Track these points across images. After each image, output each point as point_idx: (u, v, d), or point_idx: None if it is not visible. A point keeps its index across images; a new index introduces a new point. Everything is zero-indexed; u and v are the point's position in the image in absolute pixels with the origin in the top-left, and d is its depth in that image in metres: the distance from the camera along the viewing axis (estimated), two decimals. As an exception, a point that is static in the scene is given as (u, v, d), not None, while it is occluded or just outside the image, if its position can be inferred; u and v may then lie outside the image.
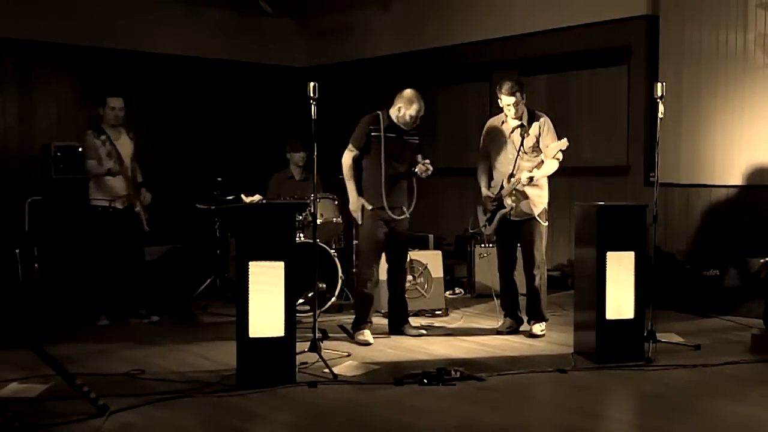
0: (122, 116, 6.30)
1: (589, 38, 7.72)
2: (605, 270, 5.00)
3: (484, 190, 5.89)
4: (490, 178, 5.89)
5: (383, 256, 5.84)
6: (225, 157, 9.08)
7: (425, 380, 4.55)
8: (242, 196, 6.82)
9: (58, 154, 7.81)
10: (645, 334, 5.16)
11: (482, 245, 7.43)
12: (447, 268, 7.20)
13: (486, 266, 7.29)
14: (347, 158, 5.72)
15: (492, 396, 4.39)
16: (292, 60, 10.02)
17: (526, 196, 5.70)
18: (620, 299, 5.04)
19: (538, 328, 5.82)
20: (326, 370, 4.74)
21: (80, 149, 6.25)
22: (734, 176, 6.83)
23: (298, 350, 4.65)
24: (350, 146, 5.72)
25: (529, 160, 5.68)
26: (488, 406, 4.22)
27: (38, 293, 6.82)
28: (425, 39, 9.03)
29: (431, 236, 7.86)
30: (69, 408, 4.03)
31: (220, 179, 7.28)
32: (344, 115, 9.00)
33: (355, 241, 7.13)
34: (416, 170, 5.63)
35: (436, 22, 8.93)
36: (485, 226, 5.92)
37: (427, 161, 5.63)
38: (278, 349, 4.54)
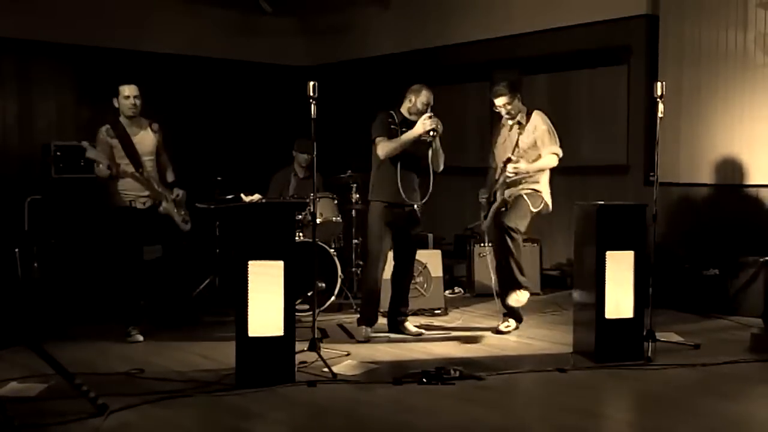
0: (139, 105, 5.72)
1: (589, 38, 7.71)
2: (605, 269, 5.00)
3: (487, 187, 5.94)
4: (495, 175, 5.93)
5: (390, 255, 5.84)
6: (225, 156, 9.07)
7: (424, 379, 4.55)
8: (242, 195, 6.82)
9: (58, 153, 7.80)
10: (644, 333, 5.15)
11: (481, 244, 7.44)
12: (446, 268, 7.21)
13: (485, 265, 7.30)
14: (382, 144, 5.54)
15: (491, 395, 4.39)
16: (291, 59, 10.01)
17: (519, 191, 5.71)
18: (620, 298, 5.04)
19: (513, 297, 5.68)
20: (325, 370, 4.74)
21: (83, 146, 5.64)
22: (734, 175, 6.82)
23: (297, 349, 4.66)
24: (379, 138, 5.57)
25: (525, 157, 5.70)
26: (487, 406, 4.22)
27: (38, 292, 6.82)
28: (425, 38, 9.03)
29: (431, 235, 7.87)
30: (68, 407, 4.04)
31: (219, 178, 7.28)
32: (344, 114, 9.07)
33: (354, 241, 7.14)
34: (428, 131, 5.47)
35: (437, 21, 8.92)
36: (482, 222, 5.94)
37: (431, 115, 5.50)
38: (277, 348, 4.54)
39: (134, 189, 5.72)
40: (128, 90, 5.70)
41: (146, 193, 5.74)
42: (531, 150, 5.71)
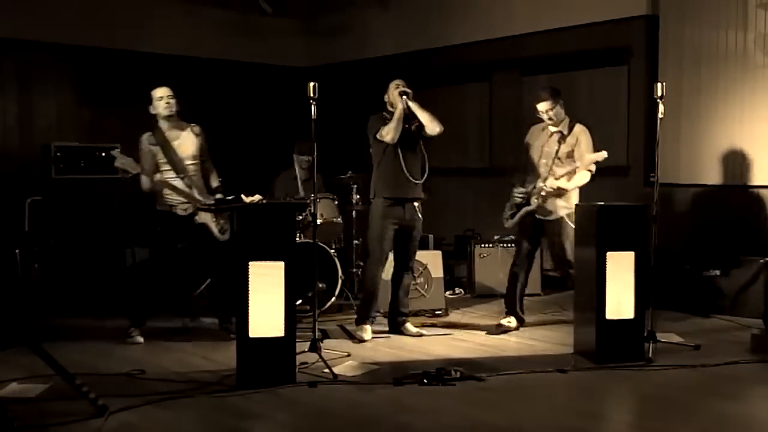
0: (174, 104, 5.59)
1: (589, 38, 7.71)
2: (605, 270, 5.00)
3: (516, 187, 5.96)
4: (525, 178, 5.94)
5: (390, 255, 5.85)
6: (225, 157, 9.03)
7: (425, 380, 4.55)
8: (242, 196, 6.81)
9: (58, 154, 7.80)
10: (645, 334, 5.16)
11: (482, 245, 7.44)
12: (447, 268, 7.20)
13: (486, 266, 7.31)
14: (384, 131, 5.60)
15: (492, 396, 4.39)
16: (292, 60, 10.01)
17: (553, 197, 5.73)
18: (620, 299, 5.04)
19: None
20: (326, 370, 4.74)
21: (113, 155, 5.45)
22: (734, 176, 6.82)
23: (298, 350, 4.66)
24: (380, 131, 5.62)
25: (562, 166, 5.73)
26: (488, 406, 4.22)
27: (38, 293, 6.81)
28: (425, 39, 9.02)
29: (431, 236, 7.86)
30: (69, 408, 4.03)
31: (220, 179, 7.26)
32: (345, 115, 9.05)
33: (355, 241, 7.14)
34: (400, 93, 5.61)
35: (437, 21, 8.92)
36: (507, 219, 5.96)
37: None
38: (278, 349, 4.54)
39: (175, 194, 5.62)
40: (161, 91, 5.60)
41: (184, 201, 5.63)
42: (567, 160, 5.74)
